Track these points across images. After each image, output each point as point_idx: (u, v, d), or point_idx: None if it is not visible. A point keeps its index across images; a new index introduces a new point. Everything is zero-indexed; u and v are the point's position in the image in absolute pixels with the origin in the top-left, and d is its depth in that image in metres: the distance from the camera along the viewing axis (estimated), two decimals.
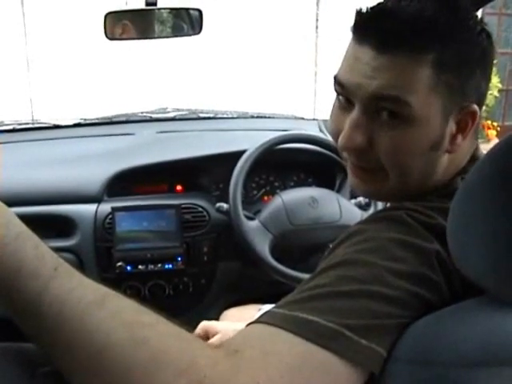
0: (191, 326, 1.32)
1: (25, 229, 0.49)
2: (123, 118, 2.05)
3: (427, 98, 0.62)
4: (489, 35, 0.66)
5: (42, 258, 0.48)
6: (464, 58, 0.62)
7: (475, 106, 0.65)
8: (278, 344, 0.50)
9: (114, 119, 2.05)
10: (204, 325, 1.13)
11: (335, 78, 0.67)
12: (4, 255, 0.46)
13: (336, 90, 0.69)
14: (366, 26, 0.63)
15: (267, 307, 1.25)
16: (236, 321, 1.26)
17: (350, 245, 0.59)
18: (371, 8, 0.63)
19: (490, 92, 8.05)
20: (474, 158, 0.69)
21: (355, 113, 0.65)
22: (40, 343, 0.49)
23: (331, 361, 0.50)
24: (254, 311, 1.26)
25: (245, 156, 1.49)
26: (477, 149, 0.70)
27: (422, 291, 0.55)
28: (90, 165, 1.60)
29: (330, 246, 0.64)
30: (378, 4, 0.64)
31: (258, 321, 0.54)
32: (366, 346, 0.51)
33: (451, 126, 0.65)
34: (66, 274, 0.49)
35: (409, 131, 0.63)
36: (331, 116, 0.71)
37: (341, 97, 0.68)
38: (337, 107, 0.70)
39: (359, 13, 0.64)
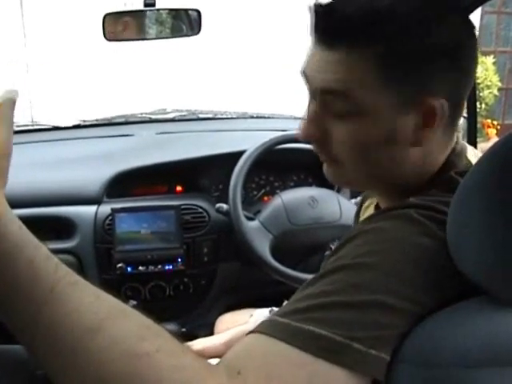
0: (191, 326, 1.33)
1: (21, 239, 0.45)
2: (122, 120, 2.06)
3: (374, 92, 0.61)
4: (469, 27, 0.63)
5: (37, 277, 0.44)
6: (419, 52, 0.59)
7: (437, 101, 0.61)
8: (283, 363, 0.48)
9: (113, 120, 2.05)
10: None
11: (301, 71, 0.68)
12: None
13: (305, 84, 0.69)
14: (314, 21, 0.63)
15: (259, 312, 1.24)
16: (230, 325, 1.24)
17: (354, 246, 0.57)
18: (321, 5, 0.62)
19: (489, 91, 8.08)
20: (454, 150, 0.67)
21: (311, 106, 0.67)
22: (36, 359, 0.46)
23: (340, 374, 0.48)
24: (247, 316, 1.25)
25: (244, 156, 1.49)
26: (457, 142, 0.68)
27: (427, 298, 0.53)
28: (90, 166, 1.59)
29: (331, 245, 0.63)
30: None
31: (260, 331, 0.51)
32: (375, 355, 0.50)
33: (414, 119, 0.62)
34: (63, 296, 0.45)
35: (359, 124, 0.62)
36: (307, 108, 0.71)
37: (308, 90, 0.69)
38: (309, 99, 0.70)
39: (310, 9, 0.63)
